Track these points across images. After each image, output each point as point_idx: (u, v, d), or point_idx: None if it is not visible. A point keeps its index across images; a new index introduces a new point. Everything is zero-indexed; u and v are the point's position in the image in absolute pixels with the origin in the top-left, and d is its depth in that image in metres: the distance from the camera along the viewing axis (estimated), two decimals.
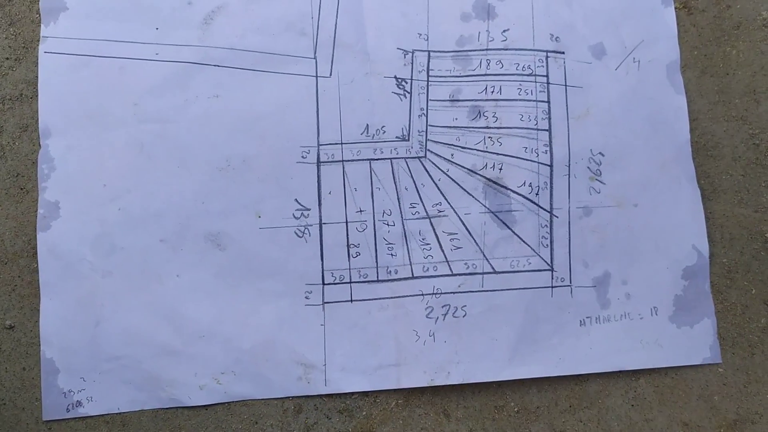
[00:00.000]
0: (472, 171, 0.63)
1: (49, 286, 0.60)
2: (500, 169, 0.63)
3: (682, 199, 0.64)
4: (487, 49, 0.64)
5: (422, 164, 0.63)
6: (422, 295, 0.62)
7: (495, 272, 0.62)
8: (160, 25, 0.62)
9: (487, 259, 0.62)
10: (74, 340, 0.60)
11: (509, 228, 0.63)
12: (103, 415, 0.60)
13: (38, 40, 0.63)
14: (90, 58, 0.62)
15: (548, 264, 0.63)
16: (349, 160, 0.62)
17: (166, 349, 0.60)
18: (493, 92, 0.63)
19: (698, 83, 0.65)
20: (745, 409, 0.62)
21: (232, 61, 0.62)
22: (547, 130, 0.63)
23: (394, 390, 0.62)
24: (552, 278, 0.62)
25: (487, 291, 0.62)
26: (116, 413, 0.61)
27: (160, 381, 0.60)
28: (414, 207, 0.62)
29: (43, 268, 0.60)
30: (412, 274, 0.62)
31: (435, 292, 0.62)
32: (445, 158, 0.63)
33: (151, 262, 0.61)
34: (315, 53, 0.63)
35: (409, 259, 0.62)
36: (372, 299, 0.62)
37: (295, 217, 0.62)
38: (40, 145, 0.61)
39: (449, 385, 0.61)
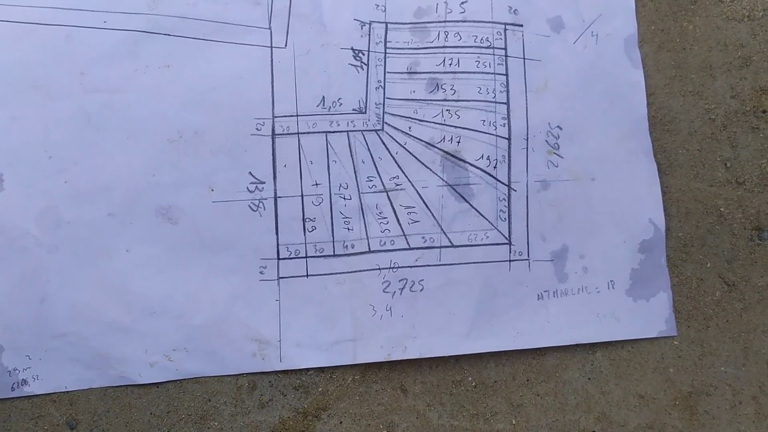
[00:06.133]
0: (429, 144, 0.62)
1: None
2: (458, 142, 0.62)
3: (639, 173, 0.64)
4: (445, 21, 0.63)
5: (379, 137, 0.62)
6: (379, 269, 0.61)
7: (453, 246, 0.62)
8: None
9: (444, 232, 0.62)
10: (19, 317, 0.58)
11: (467, 201, 0.62)
12: (49, 393, 0.59)
13: None
14: (34, 26, 0.60)
15: (506, 238, 0.62)
16: (304, 133, 0.61)
17: (115, 325, 0.59)
18: (451, 65, 0.63)
19: (655, 58, 0.66)
20: (700, 381, 0.63)
21: (183, 30, 0.60)
22: (505, 103, 0.63)
23: (351, 366, 0.61)
24: (510, 252, 0.62)
25: (445, 265, 0.61)
26: (63, 392, 0.59)
27: (109, 358, 0.59)
28: (371, 180, 0.62)
29: None
30: (369, 248, 0.61)
31: (392, 266, 0.61)
32: (402, 131, 0.62)
33: (99, 237, 0.59)
34: (269, 23, 0.62)
35: (366, 233, 0.61)
36: (328, 274, 0.61)
37: (249, 190, 0.61)
38: None
39: (406, 360, 0.61)
